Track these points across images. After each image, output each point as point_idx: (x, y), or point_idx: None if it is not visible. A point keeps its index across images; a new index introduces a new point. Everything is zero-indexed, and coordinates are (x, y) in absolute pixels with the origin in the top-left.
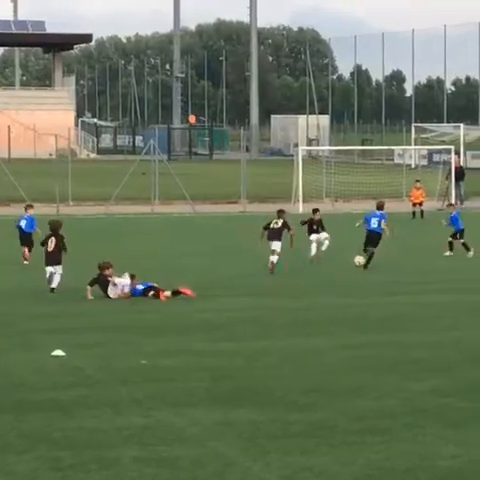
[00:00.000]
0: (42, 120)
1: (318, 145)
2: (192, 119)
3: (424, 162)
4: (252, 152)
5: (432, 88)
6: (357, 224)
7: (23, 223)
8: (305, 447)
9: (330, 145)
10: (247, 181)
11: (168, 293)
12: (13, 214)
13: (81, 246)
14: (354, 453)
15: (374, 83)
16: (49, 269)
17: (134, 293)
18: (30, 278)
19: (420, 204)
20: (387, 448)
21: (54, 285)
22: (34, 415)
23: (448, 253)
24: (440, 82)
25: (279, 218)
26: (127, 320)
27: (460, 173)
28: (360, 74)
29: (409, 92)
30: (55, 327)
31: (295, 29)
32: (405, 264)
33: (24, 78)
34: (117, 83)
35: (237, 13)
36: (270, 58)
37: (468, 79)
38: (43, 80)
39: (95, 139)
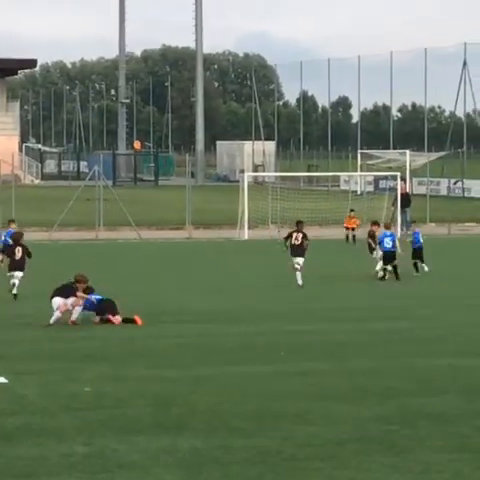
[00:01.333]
0: None
1: (264, 171)
2: (137, 145)
3: (370, 188)
4: (198, 178)
5: (378, 114)
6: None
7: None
8: (250, 474)
9: (276, 171)
10: (192, 207)
11: (119, 319)
12: None
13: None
14: None
15: (320, 109)
16: (17, 274)
17: (87, 303)
18: None
19: (353, 229)
20: (333, 475)
21: (15, 291)
22: None
23: (415, 274)
24: (386, 108)
25: (298, 232)
26: (68, 347)
27: (406, 199)
28: (306, 100)
29: (355, 118)
30: None
31: (241, 55)
32: (350, 291)
33: None
34: (62, 108)
35: (183, 39)
36: (216, 84)
37: (414, 106)
38: None
39: (39, 165)
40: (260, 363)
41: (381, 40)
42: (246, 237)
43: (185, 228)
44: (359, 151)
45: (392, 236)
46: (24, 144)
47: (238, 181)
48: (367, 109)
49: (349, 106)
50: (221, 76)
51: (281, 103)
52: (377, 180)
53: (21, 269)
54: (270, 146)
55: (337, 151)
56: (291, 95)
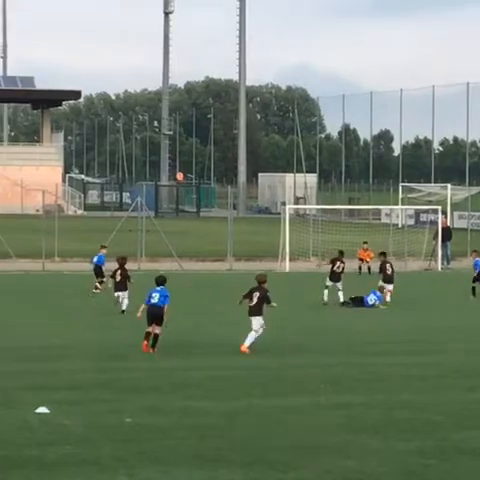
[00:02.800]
0: (30, 176)
1: (305, 203)
2: (180, 176)
3: (411, 222)
4: (239, 210)
5: (420, 148)
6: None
7: (96, 258)
8: None
9: (317, 204)
10: (234, 239)
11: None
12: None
13: (67, 303)
14: None
15: (362, 142)
16: (118, 294)
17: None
18: (2, 338)
19: (367, 261)
20: None
21: (124, 308)
22: (17, 473)
23: (471, 298)
24: (428, 142)
25: (342, 261)
26: (108, 378)
27: (447, 233)
28: (348, 133)
29: (397, 151)
30: (36, 384)
31: (283, 87)
32: (380, 324)
33: (12, 134)
34: (105, 139)
35: (226, 71)
36: (258, 116)
37: (456, 139)
38: (31, 136)
39: (82, 195)
40: (297, 395)
41: (424, 74)
42: (287, 269)
43: (226, 260)
44: (400, 184)
45: None
46: (67, 175)
47: (279, 213)
48: (409, 142)
49: (391, 139)
50: (263, 108)
51: (323, 136)
52: (418, 213)
53: (121, 289)
54: (312, 179)
55: (378, 184)
56: (333, 128)
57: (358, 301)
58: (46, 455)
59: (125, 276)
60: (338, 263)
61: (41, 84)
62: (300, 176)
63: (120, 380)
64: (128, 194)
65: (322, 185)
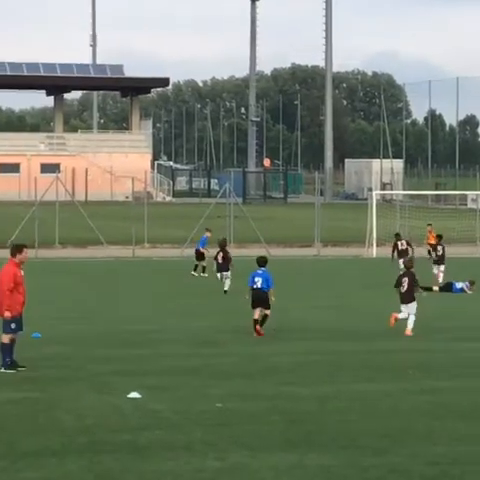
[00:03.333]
0: (119, 163)
1: (392, 189)
2: (267, 162)
3: None
4: (326, 196)
5: None
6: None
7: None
8: None
9: (404, 189)
10: (321, 225)
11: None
12: (91, 256)
13: (156, 288)
14: None
15: (448, 128)
16: (222, 274)
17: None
18: (92, 324)
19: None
20: None
21: (226, 288)
22: (110, 457)
23: None
24: None
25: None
26: (198, 364)
27: None
28: (434, 118)
29: None
30: (127, 370)
31: (369, 73)
32: (465, 309)
33: (102, 121)
34: (193, 126)
35: (312, 57)
36: (345, 102)
37: None
38: (120, 123)
39: (171, 182)
40: (386, 381)
41: None
42: (374, 255)
43: (313, 245)
44: None
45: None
46: (156, 162)
47: (366, 199)
48: None
49: (477, 124)
50: (350, 94)
51: (409, 121)
52: None
53: (223, 270)
54: (398, 164)
55: (465, 169)
56: (419, 113)
57: (446, 288)
58: (138, 440)
59: (227, 257)
60: (399, 243)
61: (130, 72)
62: (386, 162)
63: (210, 366)
64: (216, 180)
65: (408, 171)
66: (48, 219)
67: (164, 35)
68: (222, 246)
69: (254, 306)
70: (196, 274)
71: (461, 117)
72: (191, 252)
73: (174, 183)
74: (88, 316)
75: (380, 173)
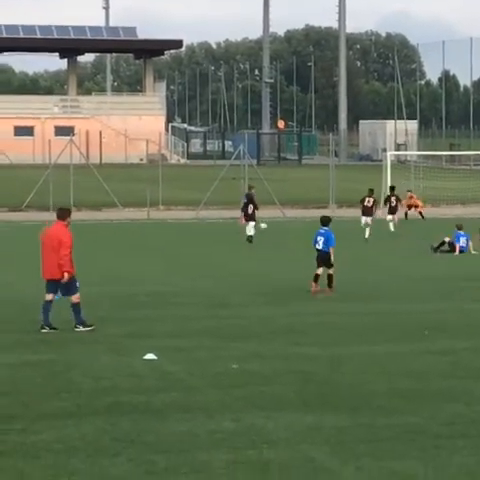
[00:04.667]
0: (133, 125)
1: (406, 150)
2: (281, 124)
3: None
4: (340, 157)
5: None
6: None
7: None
8: (395, 452)
9: (418, 150)
10: (336, 186)
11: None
12: (106, 219)
13: (171, 250)
14: (445, 458)
15: (462, 88)
16: (251, 223)
17: None
18: (108, 286)
19: (416, 207)
20: (478, 453)
21: (251, 233)
22: (127, 418)
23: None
24: None
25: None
26: (213, 325)
27: None
28: (448, 79)
29: None
30: (143, 332)
31: (383, 34)
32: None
33: (115, 84)
34: (207, 88)
35: (326, 18)
36: (358, 63)
37: None
38: (134, 86)
39: (185, 144)
40: (400, 341)
41: None
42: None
43: (329, 206)
44: None
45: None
46: (170, 124)
47: (381, 160)
48: None
49: None
50: (363, 56)
51: (423, 82)
52: None
53: (251, 220)
54: (412, 125)
55: (479, 130)
56: (433, 74)
57: (447, 248)
58: (154, 401)
59: (255, 207)
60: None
61: (143, 34)
62: (401, 123)
63: (225, 327)
64: (230, 143)
65: (423, 131)
66: (62, 182)
67: None
68: (250, 197)
69: (318, 265)
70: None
71: (475, 77)
72: (206, 214)
73: (188, 145)
74: (103, 278)
75: (394, 134)
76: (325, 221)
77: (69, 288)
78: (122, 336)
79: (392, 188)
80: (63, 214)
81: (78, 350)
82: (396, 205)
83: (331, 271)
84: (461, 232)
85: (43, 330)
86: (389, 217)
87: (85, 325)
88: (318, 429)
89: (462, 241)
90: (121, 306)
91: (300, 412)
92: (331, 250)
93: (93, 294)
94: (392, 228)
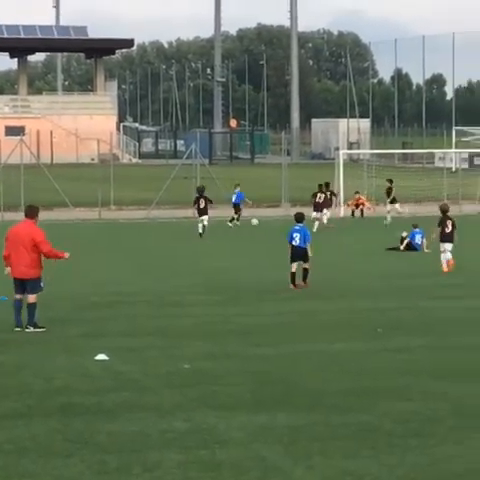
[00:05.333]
0: (84, 125)
1: (359, 148)
2: (233, 123)
3: (465, 165)
4: (293, 156)
5: (473, 91)
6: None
7: (233, 197)
8: (348, 450)
9: (371, 149)
10: (288, 185)
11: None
12: (57, 219)
13: (122, 251)
14: (398, 456)
15: (414, 86)
16: (203, 218)
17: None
18: (58, 286)
19: (363, 205)
20: (432, 452)
21: (201, 231)
22: (79, 419)
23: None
24: None
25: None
26: (165, 325)
27: None
28: (400, 77)
29: (450, 95)
30: (95, 332)
31: (335, 33)
32: (431, 267)
33: (66, 83)
34: (158, 88)
35: (278, 17)
36: (311, 62)
37: None
38: (85, 85)
39: (137, 144)
40: (357, 340)
41: (475, 17)
42: (342, 214)
43: (281, 205)
44: (454, 128)
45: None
46: (122, 123)
47: (333, 159)
48: (461, 86)
49: (443, 83)
50: (316, 54)
51: (375, 81)
52: (472, 157)
53: (204, 214)
54: (365, 124)
55: (432, 128)
56: (385, 73)
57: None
58: (105, 401)
59: (207, 202)
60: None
61: (94, 33)
62: (353, 121)
63: (177, 326)
64: (182, 142)
65: (375, 130)
66: (13, 182)
67: None
68: (201, 192)
69: (292, 260)
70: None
71: (428, 76)
72: (158, 213)
73: (140, 144)
74: (53, 278)
75: (347, 133)
76: (300, 218)
77: (34, 286)
78: (74, 336)
79: (327, 184)
80: (32, 212)
81: (29, 351)
82: (324, 202)
83: (307, 265)
84: (417, 229)
85: (17, 329)
86: (314, 214)
87: (36, 326)
88: (271, 428)
89: (417, 238)
90: (73, 307)
91: (253, 412)
92: (308, 245)
93: (44, 295)
94: (315, 228)
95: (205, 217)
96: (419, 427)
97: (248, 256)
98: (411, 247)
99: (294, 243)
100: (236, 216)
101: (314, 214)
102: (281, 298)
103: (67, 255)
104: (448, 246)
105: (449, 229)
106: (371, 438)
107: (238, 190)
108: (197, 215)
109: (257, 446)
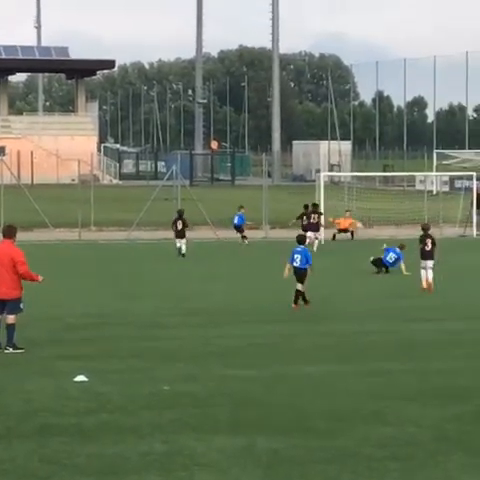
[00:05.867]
0: (65, 146)
1: (340, 171)
2: (214, 145)
3: (446, 188)
4: (274, 178)
5: (454, 114)
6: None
7: (236, 218)
8: (328, 474)
9: (352, 171)
10: (269, 207)
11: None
12: (37, 239)
13: (102, 272)
14: None
15: (396, 109)
16: (179, 241)
17: None
18: (37, 308)
19: (345, 231)
20: (411, 476)
21: (184, 251)
22: (57, 440)
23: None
24: (462, 108)
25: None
26: (144, 346)
27: None
28: (382, 100)
29: (431, 118)
30: (74, 353)
31: (317, 55)
32: (410, 289)
33: (47, 104)
34: (139, 109)
35: (259, 39)
36: (292, 84)
37: None
38: (66, 106)
39: (117, 165)
40: (336, 363)
41: (456, 40)
42: (322, 236)
43: (262, 227)
44: (435, 151)
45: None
46: (102, 144)
47: (314, 181)
48: (442, 109)
49: (424, 106)
50: (297, 76)
51: (357, 103)
52: (453, 180)
53: (181, 237)
54: (346, 146)
55: (412, 151)
56: (367, 95)
57: (379, 264)
58: (85, 423)
59: (185, 225)
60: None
61: (75, 54)
62: (334, 143)
63: (156, 348)
64: (163, 163)
65: (356, 152)
66: None
67: (110, 17)
68: (180, 214)
69: (297, 280)
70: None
71: (409, 98)
72: (138, 234)
73: (121, 166)
74: (33, 300)
75: (328, 155)
76: (301, 240)
77: (13, 307)
78: (53, 358)
79: (315, 205)
80: (10, 232)
81: (8, 372)
82: (318, 222)
83: (300, 288)
84: (397, 249)
85: (5, 350)
86: (310, 234)
87: (15, 347)
88: (250, 451)
89: (389, 256)
90: (52, 328)
91: (232, 434)
92: (309, 267)
93: (24, 316)
94: (315, 248)
95: (183, 240)
96: (398, 451)
97: (228, 278)
98: (381, 263)
99: (295, 264)
100: (241, 235)
101: (310, 234)
102: (259, 320)
103: (41, 278)
104: (429, 263)
105: (429, 247)
106: (351, 462)
107: (242, 212)
108: (174, 237)
109: (236, 470)
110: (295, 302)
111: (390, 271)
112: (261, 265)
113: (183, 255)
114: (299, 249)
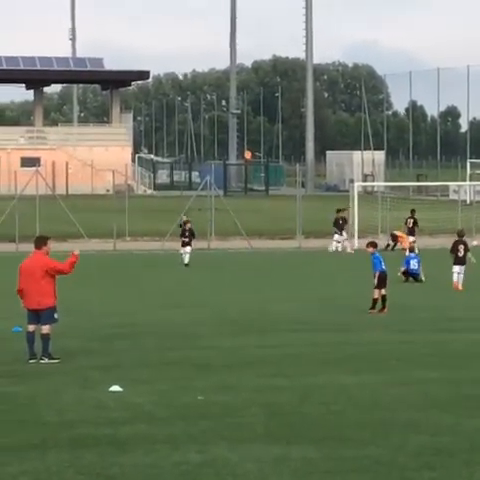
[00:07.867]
0: (99, 156)
1: (373, 181)
2: (248, 155)
3: (479, 198)
4: (308, 188)
5: None
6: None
7: None
8: None
9: (385, 181)
10: (302, 217)
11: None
12: (72, 249)
13: (136, 282)
14: None
15: (429, 119)
16: (184, 249)
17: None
18: (72, 317)
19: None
20: None
21: (186, 261)
22: (91, 451)
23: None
24: None
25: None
26: (178, 356)
27: None
28: (415, 110)
29: (464, 128)
30: (108, 363)
31: (350, 65)
32: (450, 301)
33: (82, 115)
34: (174, 119)
35: (293, 49)
36: (325, 94)
37: None
38: (101, 116)
39: (152, 175)
40: (370, 372)
41: None
42: (356, 246)
43: (295, 237)
44: (468, 160)
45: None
46: (137, 155)
47: (348, 191)
48: (476, 118)
49: (458, 115)
50: (331, 86)
51: (390, 113)
52: None
53: (187, 245)
54: (379, 156)
55: (446, 160)
56: (400, 105)
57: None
58: (119, 433)
59: (191, 234)
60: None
61: (110, 65)
62: (368, 153)
63: (191, 358)
64: (197, 173)
65: (390, 162)
66: (28, 213)
67: (144, 28)
68: (187, 224)
69: (380, 287)
70: None
71: (442, 108)
72: (172, 245)
73: (155, 176)
74: (69, 310)
75: (361, 165)
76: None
77: (48, 317)
78: (87, 368)
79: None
80: (39, 243)
81: (43, 382)
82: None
83: (384, 292)
84: (411, 254)
85: (31, 361)
86: (337, 237)
87: (51, 357)
88: (285, 461)
89: (412, 264)
90: (87, 338)
91: (267, 444)
92: (376, 273)
93: (59, 326)
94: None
95: (188, 249)
96: (433, 460)
97: (262, 288)
98: (409, 274)
99: (383, 268)
100: None
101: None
102: (291, 330)
103: (77, 252)
104: (461, 269)
105: (461, 253)
106: (384, 472)
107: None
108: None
109: (271, 479)
110: (383, 306)
111: (419, 279)
112: (294, 275)
113: (186, 265)
114: (377, 254)
